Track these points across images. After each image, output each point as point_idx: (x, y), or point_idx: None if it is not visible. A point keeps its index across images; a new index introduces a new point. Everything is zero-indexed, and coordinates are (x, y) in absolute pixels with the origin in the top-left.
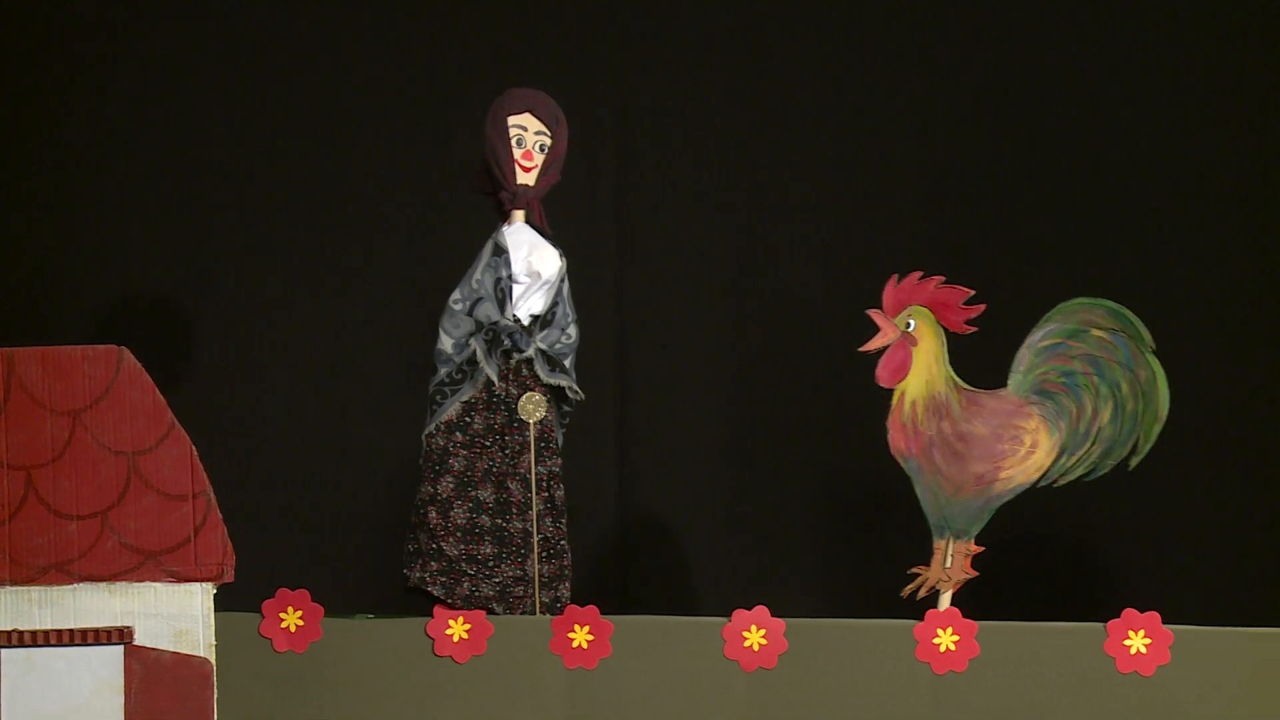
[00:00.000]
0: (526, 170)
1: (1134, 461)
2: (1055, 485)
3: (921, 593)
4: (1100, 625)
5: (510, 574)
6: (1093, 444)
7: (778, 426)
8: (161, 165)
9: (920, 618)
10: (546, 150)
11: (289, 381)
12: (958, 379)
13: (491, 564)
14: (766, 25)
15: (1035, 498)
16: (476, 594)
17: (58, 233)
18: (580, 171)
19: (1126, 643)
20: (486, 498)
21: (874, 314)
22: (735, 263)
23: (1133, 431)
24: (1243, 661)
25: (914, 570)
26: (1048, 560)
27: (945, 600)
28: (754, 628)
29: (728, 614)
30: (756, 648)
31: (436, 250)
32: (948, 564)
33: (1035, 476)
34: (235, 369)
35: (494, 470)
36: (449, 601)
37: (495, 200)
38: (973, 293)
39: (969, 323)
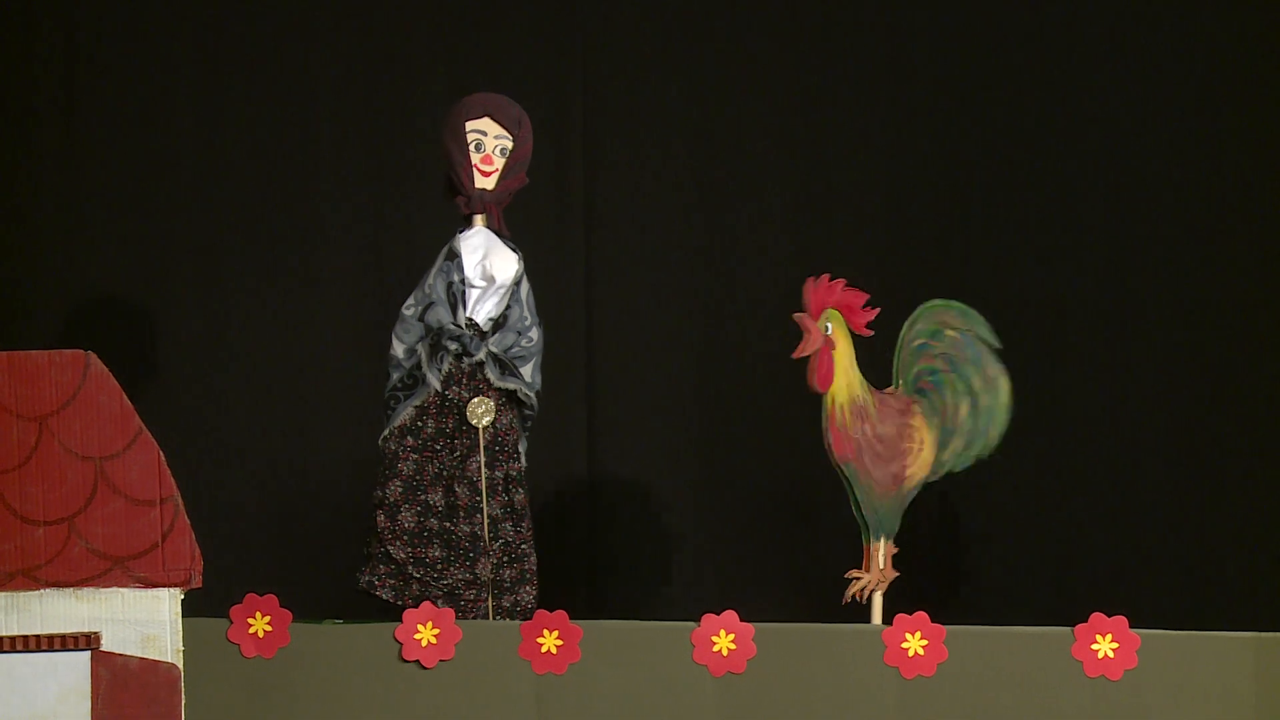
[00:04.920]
0: (486, 174)
1: (989, 453)
2: (933, 480)
3: (864, 595)
4: (1068, 629)
5: (459, 577)
6: (956, 438)
7: (748, 430)
8: (126, 170)
9: (864, 620)
10: (508, 154)
11: (257, 387)
12: (865, 381)
13: (440, 567)
14: (732, 30)
15: (1003, 501)
16: (425, 596)
17: (23, 238)
18: (549, 173)
19: (1094, 647)
20: (436, 501)
21: (801, 319)
22: (705, 264)
23: (988, 426)
24: (1210, 666)
25: (852, 574)
26: (1016, 565)
27: (878, 601)
28: (723, 632)
29: (696, 619)
30: (725, 652)
31: (406, 256)
32: (881, 565)
33: (928, 472)
34: (203, 374)
35: (444, 474)
36: (399, 604)
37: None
38: (869, 295)
39: (867, 326)
